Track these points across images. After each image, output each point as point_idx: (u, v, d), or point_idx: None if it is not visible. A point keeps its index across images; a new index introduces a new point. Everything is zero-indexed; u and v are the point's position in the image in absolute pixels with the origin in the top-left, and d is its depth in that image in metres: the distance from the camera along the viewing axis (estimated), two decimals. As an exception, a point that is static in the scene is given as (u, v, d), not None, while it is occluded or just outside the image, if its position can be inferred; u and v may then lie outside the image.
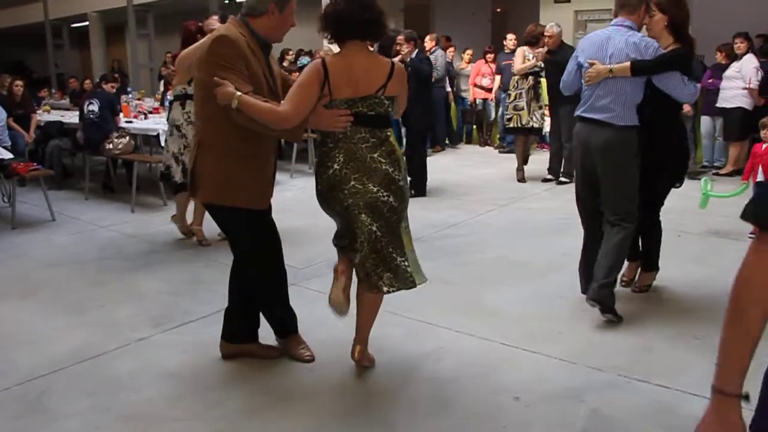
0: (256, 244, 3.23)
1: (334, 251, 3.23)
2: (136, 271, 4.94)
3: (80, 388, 3.22)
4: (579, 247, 4.78)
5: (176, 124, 5.26)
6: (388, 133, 2.99)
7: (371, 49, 3.10)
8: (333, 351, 3.45)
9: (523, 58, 7.86)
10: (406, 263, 3.02)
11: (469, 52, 10.60)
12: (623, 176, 3.80)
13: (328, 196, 3.02)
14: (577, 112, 3.98)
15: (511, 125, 8.08)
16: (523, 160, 8.16)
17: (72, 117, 8.93)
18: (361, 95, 2.91)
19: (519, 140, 8.20)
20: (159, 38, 16.83)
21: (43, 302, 4.39)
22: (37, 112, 9.36)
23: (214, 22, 5.08)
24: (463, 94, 10.96)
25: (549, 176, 8.00)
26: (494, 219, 6.23)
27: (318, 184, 3.06)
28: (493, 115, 10.74)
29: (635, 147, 3.79)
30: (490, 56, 10.46)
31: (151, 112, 8.75)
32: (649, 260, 4.27)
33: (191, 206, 5.61)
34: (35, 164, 7.23)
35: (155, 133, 7.40)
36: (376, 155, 2.93)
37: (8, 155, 6.40)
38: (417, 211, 6.50)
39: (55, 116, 9.35)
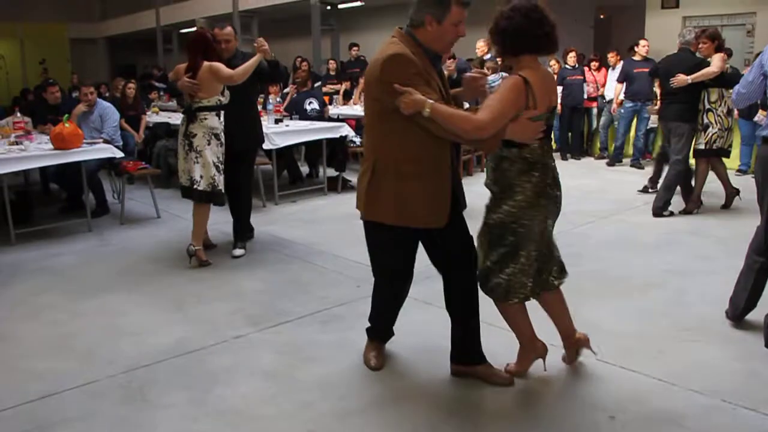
0: (400, 262, 3.21)
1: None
2: (235, 270, 5.08)
3: (178, 381, 3.34)
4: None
5: (215, 133, 5.11)
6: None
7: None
8: (424, 358, 3.46)
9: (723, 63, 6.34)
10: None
11: (572, 55, 10.10)
12: None
13: (535, 203, 2.94)
14: (764, 132, 3.62)
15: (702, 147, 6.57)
16: (699, 188, 6.72)
17: (179, 118, 9.21)
18: (550, 108, 2.93)
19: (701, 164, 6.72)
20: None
21: (147, 296, 4.58)
22: (146, 113, 9.76)
23: (230, 31, 5.49)
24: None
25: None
26: (593, 231, 6.05)
27: (518, 195, 2.93)
28: (594, 124, 10.43)
29: None
30: (594, 64, 10.17)
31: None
32: None
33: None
34: (143, 163, 7.59)
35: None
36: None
37: (120, 154, 6.72)
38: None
39: (162, 118, 9.70)
